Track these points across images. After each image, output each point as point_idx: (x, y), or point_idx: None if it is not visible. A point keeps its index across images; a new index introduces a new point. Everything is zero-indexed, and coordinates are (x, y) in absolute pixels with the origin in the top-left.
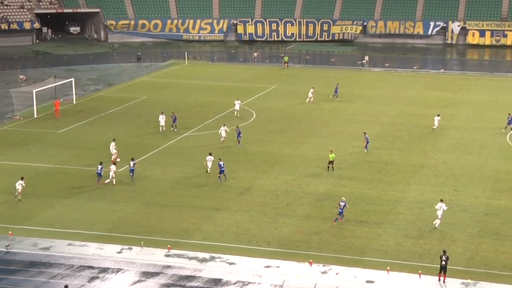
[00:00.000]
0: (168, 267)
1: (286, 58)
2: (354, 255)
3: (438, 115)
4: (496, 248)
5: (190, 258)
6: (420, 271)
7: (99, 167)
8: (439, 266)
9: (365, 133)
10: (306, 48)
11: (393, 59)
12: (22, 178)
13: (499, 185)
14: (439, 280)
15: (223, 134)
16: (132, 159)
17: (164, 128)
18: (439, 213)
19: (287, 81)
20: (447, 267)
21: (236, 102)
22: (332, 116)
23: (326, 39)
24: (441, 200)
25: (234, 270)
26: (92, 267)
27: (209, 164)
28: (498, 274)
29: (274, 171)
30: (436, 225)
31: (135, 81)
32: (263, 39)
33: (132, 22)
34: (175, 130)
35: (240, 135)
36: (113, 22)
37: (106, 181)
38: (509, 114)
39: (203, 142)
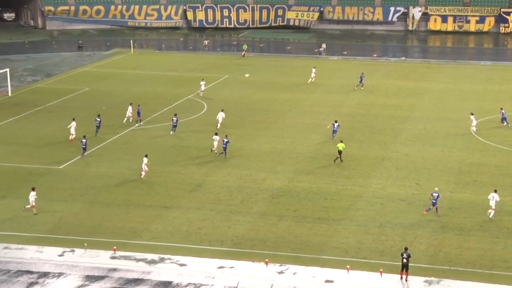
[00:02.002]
0: (114, 270)
1: (245, 47)
2: (312, 254)
3: (472, 114)
4: (460, 244)
5: (138, 260)
6: (381, 269)
7: (84, 140)
8: (401, 263)
9: (336, 121)
10: (260, 36)
11: (352, 47)
12: (33, 189)
13: (463, 178)
14: (401, 278)
15: (215, 144)
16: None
17: (131, 119)
18: (492, 203)
19: (240, 71)
20: (409, 264)
21: (201, 82)
22: (288, 107)
23: (281, 24)
24: (495, 191)
25: (185, 271)
26: (30, 272)
27: (215, 143)
28: (462, 271)
29: (227, 166)
30: (490, 216)
31: (76, 72)
32: (214, 25)
33: (72, 7)
34: (141, 124)
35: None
36: (52, 8)
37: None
38: (501, 108)
39: (151, 136)
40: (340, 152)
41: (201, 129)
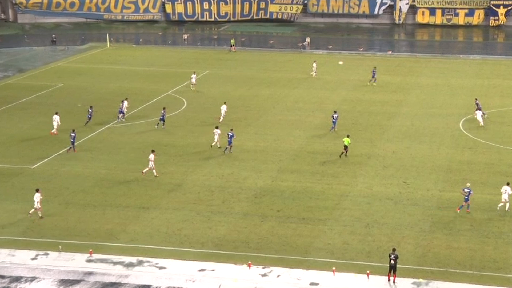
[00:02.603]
0: (90, 273)
1: (233, 41)
2: (296, 255)
3: (479, 109)
4: (449, 244)
5: (115, 263)
6: (368, 271)
7: (72, 134)
8: (388, 265)
9: (335, 111)
10: (242, 29)
11: (337, 41)
12: (37, 190)
13: (452, 176)
14: (389, 280)
15: (216, 138)
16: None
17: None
18: (505, 196)
19: (221, 66)
20: (397, 266)
21: (192, 75)
22: (271, 103)
23: (263, 17)
24: (507, 184)
25: (165, 275)
26: (2, 277)
27: (216, 137)
28: (451, 272)
29: (208, 165)
30: (506, 208)
31: (50, 67)
32: (194, 19)
33: (45, 0)
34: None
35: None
36: (23, 0)
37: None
38: (476, 99)
39: (128, 134)
40: (345, 147)
41: (181, 127)
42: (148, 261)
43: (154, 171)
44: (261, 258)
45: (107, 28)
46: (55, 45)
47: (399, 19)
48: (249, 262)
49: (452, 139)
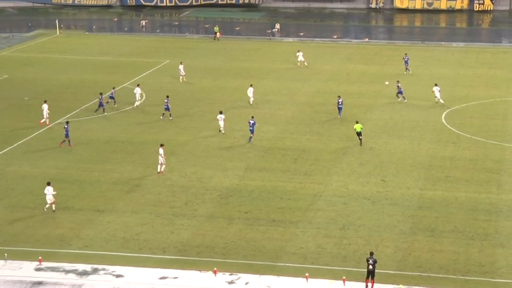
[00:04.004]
0: (40, 283)
1: (216, 28)
2: (266, 261)
3: (436, 84)
4: (431, 246)
5: (67, 272)
6: (344, 277)
7: (66, 126)
8: (366, 270)
9: (339, 96)
10: (205, 15)
11: (309, 27)
12: (49, 184)
13: (434, 173)
14: (367, 286)
15: (221, 123)
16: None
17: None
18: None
19: (183, 55)
20: (375, 271)
21: (180, 66)
22: (238, 95)
23: (229, 2)
24: None
25: (123, 283)
26: None
27: (221, 123)
28: (434, 277)
29: (169, 162)
30: None
31: None
32: (153, 4)
33: None
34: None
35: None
36: None
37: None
38: (398, 81)
39: (81, 130)
40: (358, 133)
41: (139, 121)
42: (104, 269)
43: (159, 166)
44: (228, 264)
45: (56, 14)
46: None
47: (376, 4)
48: (215, 268)
49: (434, 133)
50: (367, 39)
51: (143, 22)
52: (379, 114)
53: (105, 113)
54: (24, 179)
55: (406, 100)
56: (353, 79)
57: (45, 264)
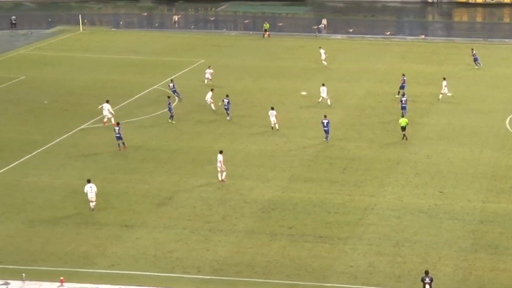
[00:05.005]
0: None
1: (266, 25)
2: (313, 281)
3: (444, 79)
4: (495, 265)
5: None
6: None
7: (116, 128)
8: None
9: (403, 94)
10: (244, 9)
11: (359, 23)
12: (89, 181)
13: (497, 184)
14: None
15: (272, 119)
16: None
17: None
18: None
19: (219, 53)
20: None
21: (207, 70)
22: (280, 98)
23: None
24: None
25: None
26: None
27: (273, 119)
28: None
29: (205, 173)
30: None
31: (9, 56)
32: None
33: None
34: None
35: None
36: None
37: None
38: (403, 75)
39: (107, 136)
40: (403, 128)
41: (172, 127)
42: None
43: (223, 173)
44: (270, 285)
45: (79, 8)
46: (15, 29)
47: None
48: None
49: (497, 139)
50: (423, 36)
51: (176, 17)
52: (437, 118)
53: (173, 121)
54: (43, 191)
55: (411, 99)
56: (408, 80)
57: (67, 285)
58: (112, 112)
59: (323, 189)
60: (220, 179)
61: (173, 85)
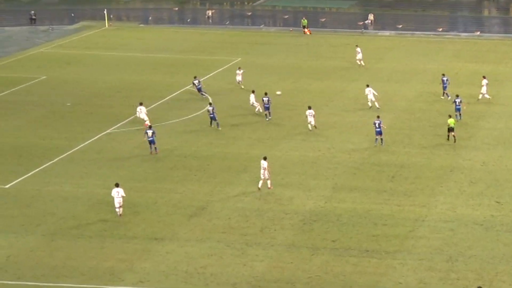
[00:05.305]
0: None
1: (304, 21)
2: None
3: (484, 77)
4: None
5: None
6: None
7: (149, 131)
8: None
9: (457, 95)
10: (284, 4)
11: (409, 18)
12: (117, 185)
13: None
14: None
15: (309, 119)
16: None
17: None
18: None
19: (257, 52)
20: None
21: (237, 72)
22: (323, 100)
23: None
24: None
25: None
26: None
27: (310, 119)
28: None
29: (241, 181)
30: None
31: (28, 54)
32: None
33: None
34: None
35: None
36: None
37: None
38: (443, 74)
39: (134, 141)
40: (451, 129)
41: (205, 132)
42: None
43: (268, 181)
44: None
45: (105, 2)
46: (34, 25)
47: None
48: None
49: None
50: (478, 33)
51: (209, 12)
52: (493, 122)
53: (219, 127)
54: (65, 201)
55: (450, 98)
56: (462, 80)
57: None
58: (146, 113)
59: (370, 199)
60: (259, 186)
61: (198, 82)
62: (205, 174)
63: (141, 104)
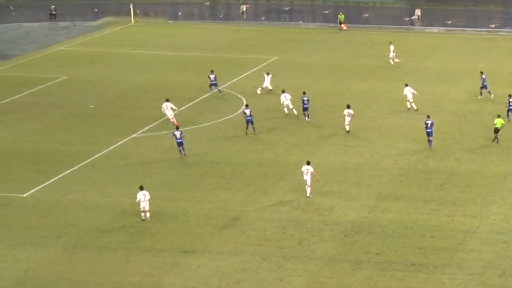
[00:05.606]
0: None
1: (341, 17)
2: None
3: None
4: None
5: None
6: None
7: (177, 132)
8: None
9: (510, 95)
10: None
11: (459, 14)
12: (142, 188)
13: None
14: None
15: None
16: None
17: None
18: None
19: (295, 49)
20: None
21: (266, 76)
22: (366, 101)
23: None
24: None
25: None
26: None
27: (348, 119)
28: None
29: (277, 189)
30: None
31: (48, 52)
32: None
33: None
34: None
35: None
36: None
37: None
38: (481, 72)
39: (162, 146)
40: (497, 130)
41: (238, 136)
42: None
43: (308, 189)
44: None
45: None
46: (55, 20)
47: None
48: None
49: None
50: None
51: (243, 7)
52: None
53: (255, 132)
54: (88, 211)
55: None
56: None
57: None
58: (175, 108)
59: (417, 208)
60: (308, 195)
61: (215, 77)
62: (239, 182)
63: (167, 100)
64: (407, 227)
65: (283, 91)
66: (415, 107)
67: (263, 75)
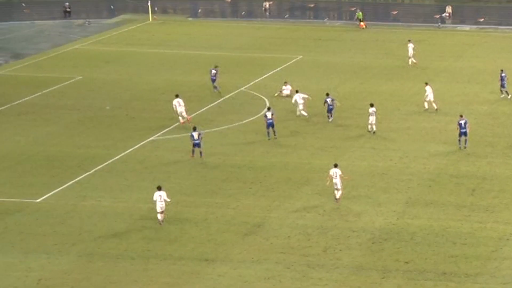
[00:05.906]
0: None
1: (359, 14)
2: None
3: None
4: None
5: None
6: None
7: (195, 133)
8: None
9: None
10: None
11: (492, 11)
12: (159, 188)
13: None
14: None
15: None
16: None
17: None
18: None
19: (321, 49)
20: None
21: (284, 87)
22: (394, 103)
23: None
24: None
25: None
26: None
27: (372, 118)
28: None
29: (302, 194)
30: None
31: (62, 51)
32: None
33: None
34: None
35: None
36: None
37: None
38: (502, 70)
39: (181, 150)
40: None
41: (261, 139)
42: None
43: (337, 193)
44: None
45: None
46: (69, 18)
47: None
48: None
49: None
50: None
51: (267, 4)
52: None
53: (276, 136)
54: (104, 217)
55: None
56: None
57: None
58: (183, 106)
59: (448, 215)
60: (337, 197)
61: (215, 73)
62: (262, 187)
63: (177, 96)
64: (437, 234)
65: (297, 91)
66: (436, 107)
67: (282, 86)
